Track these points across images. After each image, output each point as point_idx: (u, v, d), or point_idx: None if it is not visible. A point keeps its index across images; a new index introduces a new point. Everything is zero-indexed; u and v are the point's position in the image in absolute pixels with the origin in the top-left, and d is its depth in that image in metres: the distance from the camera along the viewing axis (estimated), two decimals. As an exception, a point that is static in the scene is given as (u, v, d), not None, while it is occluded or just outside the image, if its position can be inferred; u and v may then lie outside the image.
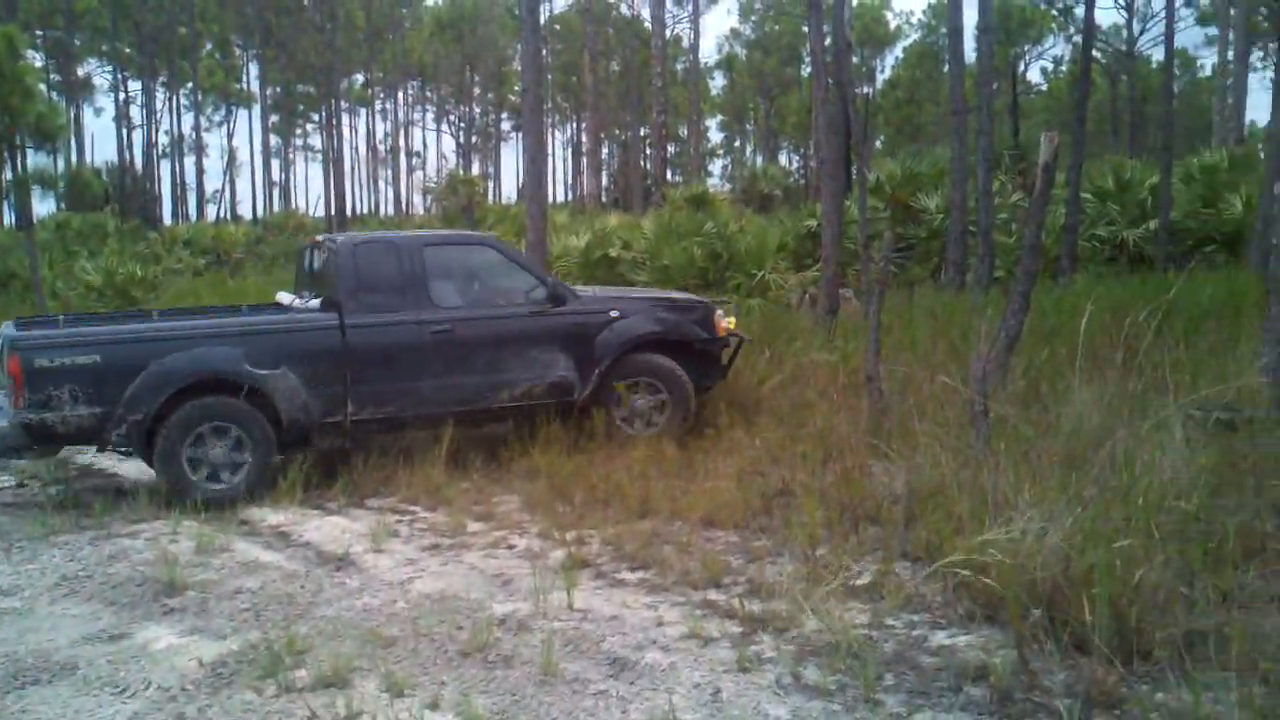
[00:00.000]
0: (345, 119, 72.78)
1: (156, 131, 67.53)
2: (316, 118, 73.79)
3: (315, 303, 8.91)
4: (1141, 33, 58.77)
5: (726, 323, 9.73)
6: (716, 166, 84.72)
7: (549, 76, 63.71)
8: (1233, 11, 38.04)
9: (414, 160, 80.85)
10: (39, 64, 59.84)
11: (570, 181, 77.46)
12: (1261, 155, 17.64)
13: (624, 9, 69.75)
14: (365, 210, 71.47)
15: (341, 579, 6.22)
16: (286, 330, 8.63)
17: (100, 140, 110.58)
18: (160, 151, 68.23)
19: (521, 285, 9.13)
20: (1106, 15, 60.26)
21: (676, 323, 9.43)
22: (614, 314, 9.23)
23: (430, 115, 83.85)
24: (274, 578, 6.26)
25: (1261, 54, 59.92)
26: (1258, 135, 41.40)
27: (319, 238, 9.78)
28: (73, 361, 7.83)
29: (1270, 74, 56.98)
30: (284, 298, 9.83)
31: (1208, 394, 6.93)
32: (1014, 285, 9.14)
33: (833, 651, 4.72)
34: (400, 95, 79.66)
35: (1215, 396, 6.94)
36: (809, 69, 59.12)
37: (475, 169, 72.73)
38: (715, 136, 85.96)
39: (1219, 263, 16.13)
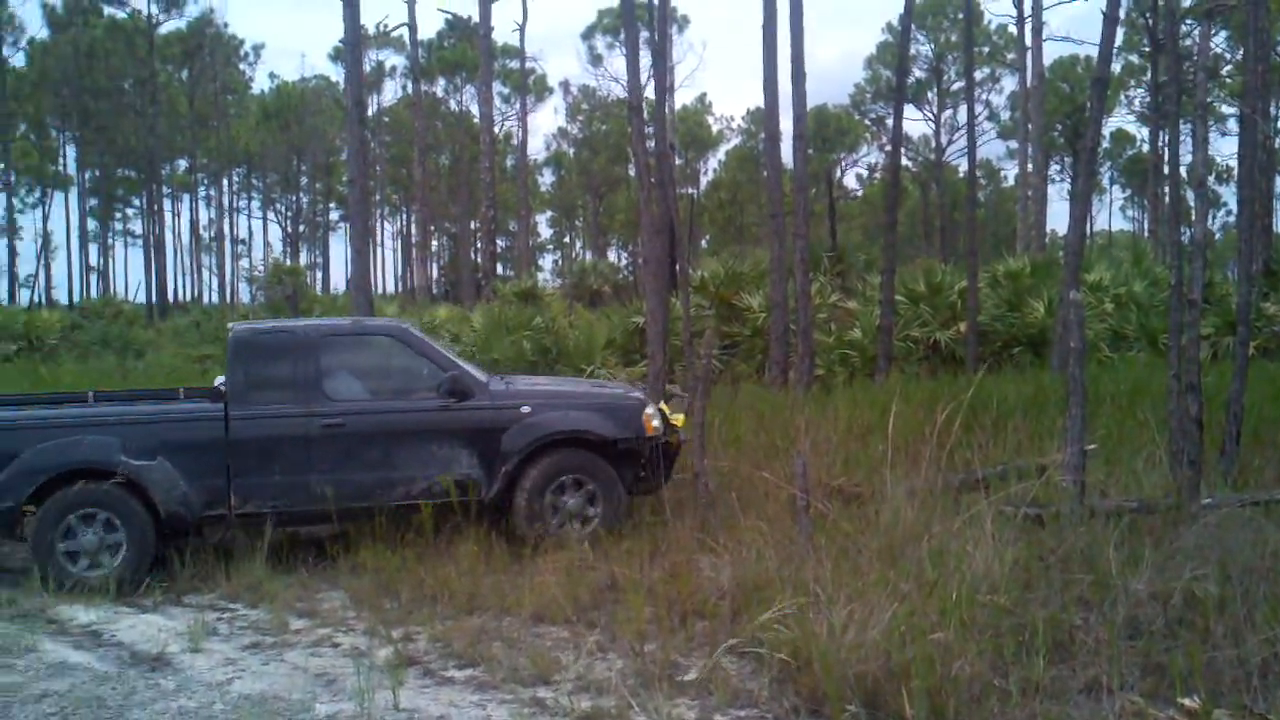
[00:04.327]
0: (168, 204, 71.03)
1: (-37, 212, 64.79)
2: (137, 202, 71.87)
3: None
4: (949, 144, 62.05)
5: (657, 421, 8.99)
6: (546, 261, 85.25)
7: (378, 168, 63.47)
8: (1030, 127, 40.24)
9: (239, 247, 79.27)
10: None
11: (400, 272, 77.00)
12: (1062, 263, 18.60)
13: (453, 104, 70.24)
14: (188, 297, 69.61)
15: (156, 680, 5.99)
16: (165, 420, 8.55)
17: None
18: (-33, 233, 65.38)
19: (426, 377, 8.71)
20: (916, 126, 63.25)
21: (593, 420, 8.80)
22: (524, 409, 8.72)
23: (256, 203, 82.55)
24: (84, 679, 6.00)
25: (1059, 167, 63.67)
26: (1058, 244, 43.64)
27: (230, 325, 9.54)
28: None
29: (1068, 185, 60.55)
30: (220, 382, 9.62)
31: (1016, 490, 7.24)
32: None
33: (662, 748, 4.74)
34: (225, 182, 78.20)
35: (1022, 493, 7.25)
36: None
37: (303, 258, 71.82)
38: (545, 232, 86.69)
39: (1024, 364, 16.90)
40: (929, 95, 61.01)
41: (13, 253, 64.87)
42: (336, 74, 71.12)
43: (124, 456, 8.03)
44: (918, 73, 57.89)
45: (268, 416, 8.41)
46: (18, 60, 63.73)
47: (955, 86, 59.25)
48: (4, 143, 62.53)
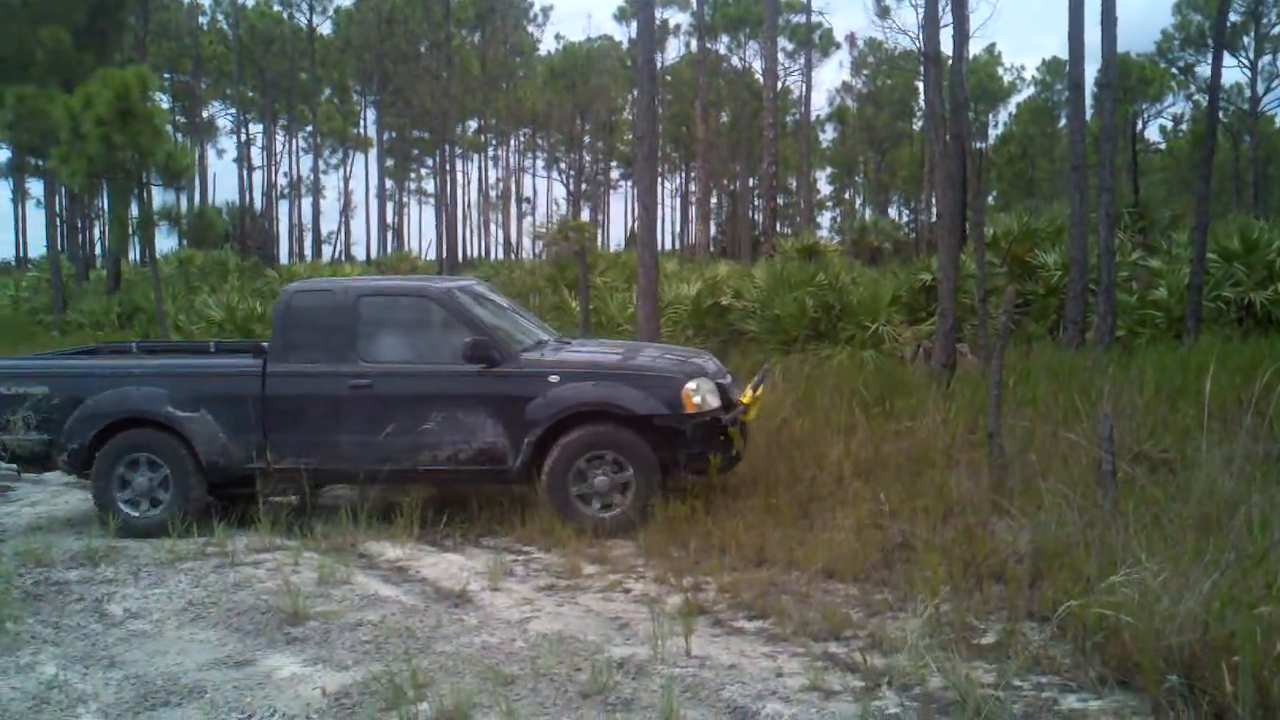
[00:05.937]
0: (458, 164, 74.01)
1: (276, 173, 69.72)
2: (430, 162, 75.21)
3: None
4: (1265, 92, 57.77)
5: (701, 398, 8.29)
6: (825, 218, 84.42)
7: (660, 126, 64.15)
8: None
9: (524, 206, 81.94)
10: (166, 105, 62.16)
11: (679, 230, 77.82)
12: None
13: (736, 61, 70.19)
14: (476, 254, 72.55)
15: (460, 616, 6.26)
16: (207, 374, 8.95)
17: (221, 180, 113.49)
18: (279, 192, 70.33)
19: (457, 342, 8.40)
20: (1228, 74, 58.81)
21: (621, 394, 8.23)
22: (552, 378, 8.30)
23: (541, 162, 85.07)
24: (394, 611, 6.34)
25: (1395, 117, 58.28)
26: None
27: (284, 286, 9.60)
28: (26, 391, 8.65)
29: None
30: None
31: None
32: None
33: (959, 710, 4.61)
34: (512, 142, 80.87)
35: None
36: (922, 123, 58.84)
37: (585, 215, 73.39)
38: (824, 188, 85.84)
39: (1353, 328, 15.59)
40: (1244, 41, 56.87)
41: (317, 211, 69.36)
42: (620, 34, 72.47)
43: (170, 408, 8.51)
44: (1233, 16, 53.95)
45: (300, 374, 8.55)
46: (325, 29, 67.67)
47: (1275, 30, 55.09)
48: (310, 107, 66.66)
